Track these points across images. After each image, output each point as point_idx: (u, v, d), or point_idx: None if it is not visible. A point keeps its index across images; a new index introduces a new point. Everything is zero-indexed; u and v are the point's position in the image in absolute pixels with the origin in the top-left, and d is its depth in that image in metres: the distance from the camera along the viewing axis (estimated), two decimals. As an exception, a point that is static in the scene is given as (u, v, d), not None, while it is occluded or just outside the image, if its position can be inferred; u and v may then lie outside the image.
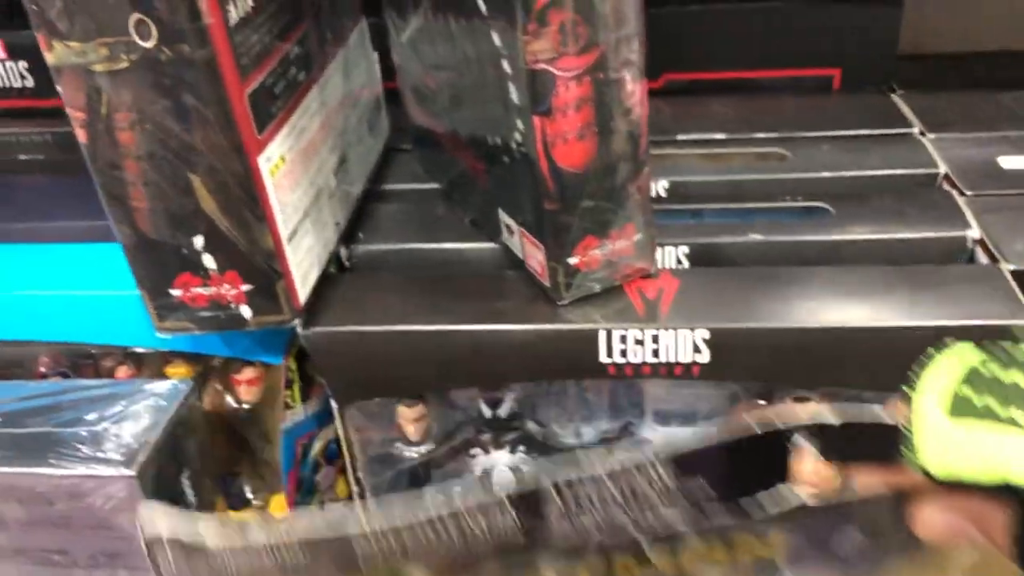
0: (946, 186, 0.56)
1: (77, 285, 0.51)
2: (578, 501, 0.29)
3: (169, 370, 0.53)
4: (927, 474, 0.28)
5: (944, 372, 0.28)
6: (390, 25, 0.56)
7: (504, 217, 0.49)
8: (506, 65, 0.42)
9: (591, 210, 0.45)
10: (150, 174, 0.41)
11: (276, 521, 0.33)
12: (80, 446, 0.45)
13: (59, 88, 0.40)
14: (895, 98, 0.66)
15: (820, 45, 0.67)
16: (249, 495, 0.57)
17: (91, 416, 0.47)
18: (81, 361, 0.54)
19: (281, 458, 0.54)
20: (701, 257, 0.51)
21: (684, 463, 0.29)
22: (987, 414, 0.26)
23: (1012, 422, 0.26)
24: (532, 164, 0.43)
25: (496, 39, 0.41)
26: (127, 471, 0.44)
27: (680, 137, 0.62)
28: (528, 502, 0.30)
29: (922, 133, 0.61)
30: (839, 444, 0.30)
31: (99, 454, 0.45)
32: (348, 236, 0.54)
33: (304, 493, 0.57)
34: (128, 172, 0.42)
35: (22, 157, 0.66)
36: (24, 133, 0.69)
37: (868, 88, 0.68)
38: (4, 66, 0.69)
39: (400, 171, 0.62)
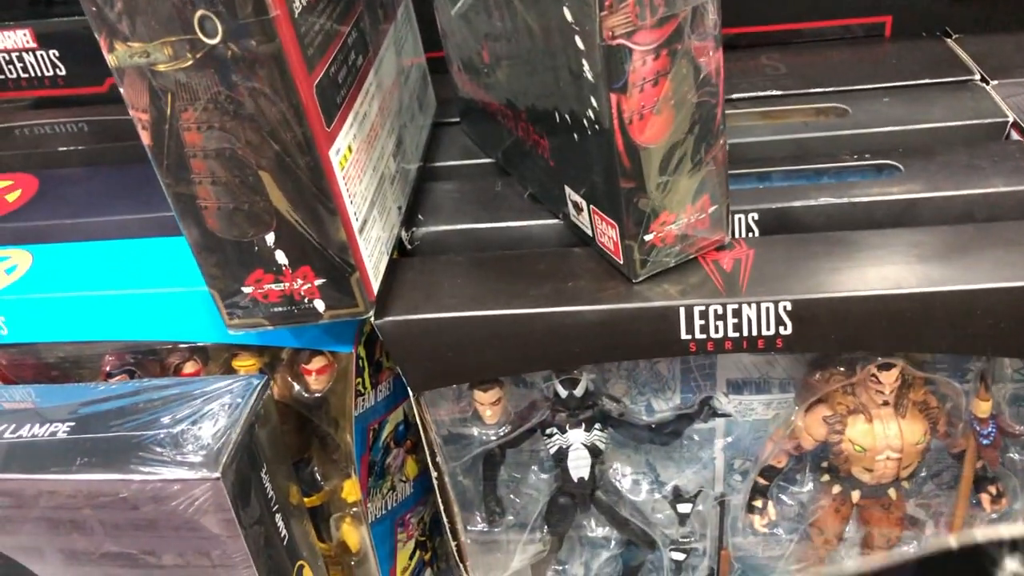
0: (1015, 135, 0.54)
1: (140, 283, 0.50)
2: None
3: (236, 363, 0.53)
4: None
5: None
6: (437, -4, 0.54)
7: (571, 194, 0.48)
8: (579, 41, 0.40)
9: (667, 185, 0.44)
10: (218, 173, 0.40)
11: None
12: (160, 450, 0.45)
13: (121, 90, 0.39)
14: (950, 43, 0.65)
15: (869, -9, 0.65)
16: (320, 480, 0.57)
17: (167, 418, 0.46)
18: (146, 358, 0.54)
19: (353, 444, 0.53)
20: (771, 222, 0.50)
21: None
22: None
23: None
24: (606, 141, 0.42)
25: (568, 14, 0.40)
26: (211, 473, 0.43)
27: (735, 96, 0.60)
28: None
29: (983, 80, 0.59)
30: None
31: (180, 457, 0.44)
32: (408, 218, 0.52)
33: (376, 477, 0.57)
34: (195, 172, 0.41)
35: (61, 149, 0.64)
36: (60, 123, 0.68)
37: (922, 34, 0.66)
38: (35, 55, 0.67)
39: (450, 146, 0.60)
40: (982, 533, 0.25)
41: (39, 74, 0.69)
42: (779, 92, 0.60)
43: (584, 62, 0.41)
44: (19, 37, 0.67)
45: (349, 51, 0.44)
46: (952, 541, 0.25)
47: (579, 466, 0.52)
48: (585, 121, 0.43)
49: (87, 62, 0.67)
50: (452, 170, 0.58)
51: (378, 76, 0.49)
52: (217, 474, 0.43)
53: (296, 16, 0.38)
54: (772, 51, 0.66)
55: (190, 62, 0.38)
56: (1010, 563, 0.26)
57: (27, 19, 0.67)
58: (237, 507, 0.45)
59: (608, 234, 0.46)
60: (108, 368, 0.54)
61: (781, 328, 0.45)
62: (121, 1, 0.37)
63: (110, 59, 0.38)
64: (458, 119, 0.61)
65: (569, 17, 0.40)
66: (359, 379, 0.52)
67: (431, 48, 0.60)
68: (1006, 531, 0.25)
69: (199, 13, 0.36)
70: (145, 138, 0.40)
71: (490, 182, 0.56)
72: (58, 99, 0.70)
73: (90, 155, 0.64)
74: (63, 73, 0.69)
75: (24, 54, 0.68)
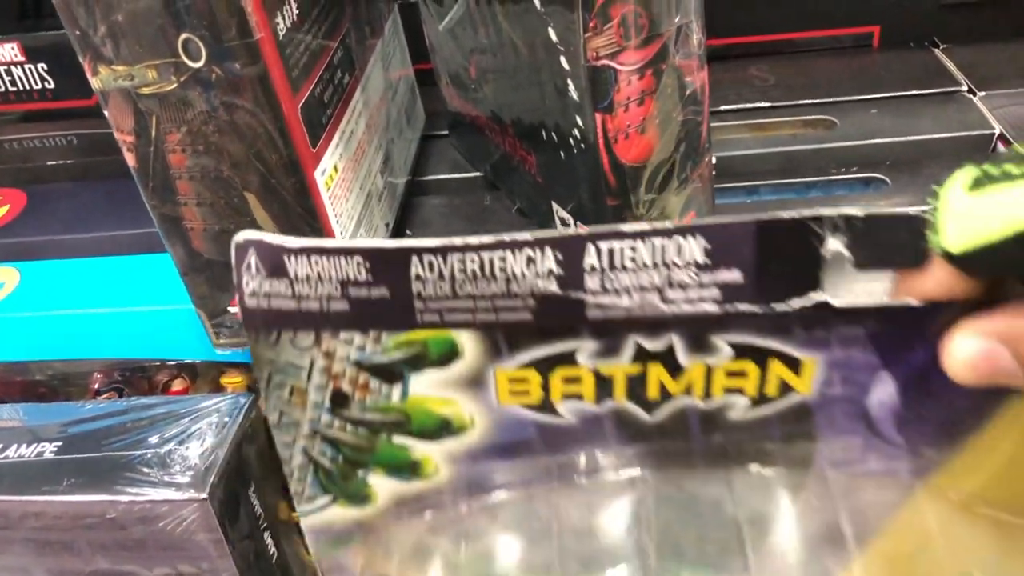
0: (1002, 147, 0.55)
1: (129, 300, 0.50)
2: (612, 258, 0.29)
3: (225, 380, 0.53)
4: (949, 256, 0.26)
5: (967, 169, 0.27)
6: (424, 10, 0.54)
7: (558, 211, 0.48)
8: (564, 61, 0.40)
9: (653, 203, 0.44)
10: (204, 194, 0.40)
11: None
12: (148, 470, 0.45)
13: (106, 113, 0.39)
14: (938, 53, 0.65)
15: (857, 1, 0.65)
16: (309, 496, 0.57)
17: (155, 438, 0.46)
18: (135, 375, 0.54)
19: (342, 461, 0.53)
20: (759, 237, 0.50)
21: (712, 240, 0.28)
22: (1005, 178, 0.25)
23: None
24: (592, 159, 0.42)
25: (552, 34, 0.40)
26: (199, 494, 0.43)
27: (723, 108, 0.60)
28: (566, 245, 0.29)
29: (971, 91, 0.59)
30: (866, 241, 0.28)
31: (167, 477, 0.44)
32: (396, 234, 0.52)
33: (365, 492, 0.57)
34: (181, 193, 0.41)
35: (50, 163, 0.64)
36: (49, 136, 0.68)
37: (910, 44, 0.66)
38: (23, 69, 0.67)
39: (438, 159, 0.60)
40: (810, 210, 0.27)
41: (27, 88, 0.68)
42: (767, 104, 0.60)
43: (569, 81, 0.41)
44: (7, 51, 0.66)
45: (335, 70, 0.44)
46: (784, 214, 0.28)
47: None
48: (571, 139, 0.43)
49: (75, 75, 0.66)
50: (441, 184, 0.58)
51: (365, 93, 0.49)
52: (204, 495, 0.43)
53: (281, 38, 0.38)
54: (760, 62, 0.66)
55: (174, 85, 0.38)
56: (832, 241, 0.28)
57: (15, 32, 0.67)
58: (225, 526, 0.45)
59: (595, 251, 0.46)
60: (97, 385, 0.54)
61: (768, 345, 0.45)
62: (105, 24, 0.36)
63: (94, 82, 0.38)
64: (447, 131, 0.61)
65: (554, 37, 0.40)
66: (348, 395, 0.51)
67: (420, 60, 0.60)
68: (831, 210, 0.28)
69: (183, 36, 0.36)
70: (130, 160, 0.40)
71: (479, 196, 0.56)
72: (47, 112, 0.70)
73: (79, 169, 0.64)
74: (51, 86, 0.68)
75: (12, 67, 0.68)
